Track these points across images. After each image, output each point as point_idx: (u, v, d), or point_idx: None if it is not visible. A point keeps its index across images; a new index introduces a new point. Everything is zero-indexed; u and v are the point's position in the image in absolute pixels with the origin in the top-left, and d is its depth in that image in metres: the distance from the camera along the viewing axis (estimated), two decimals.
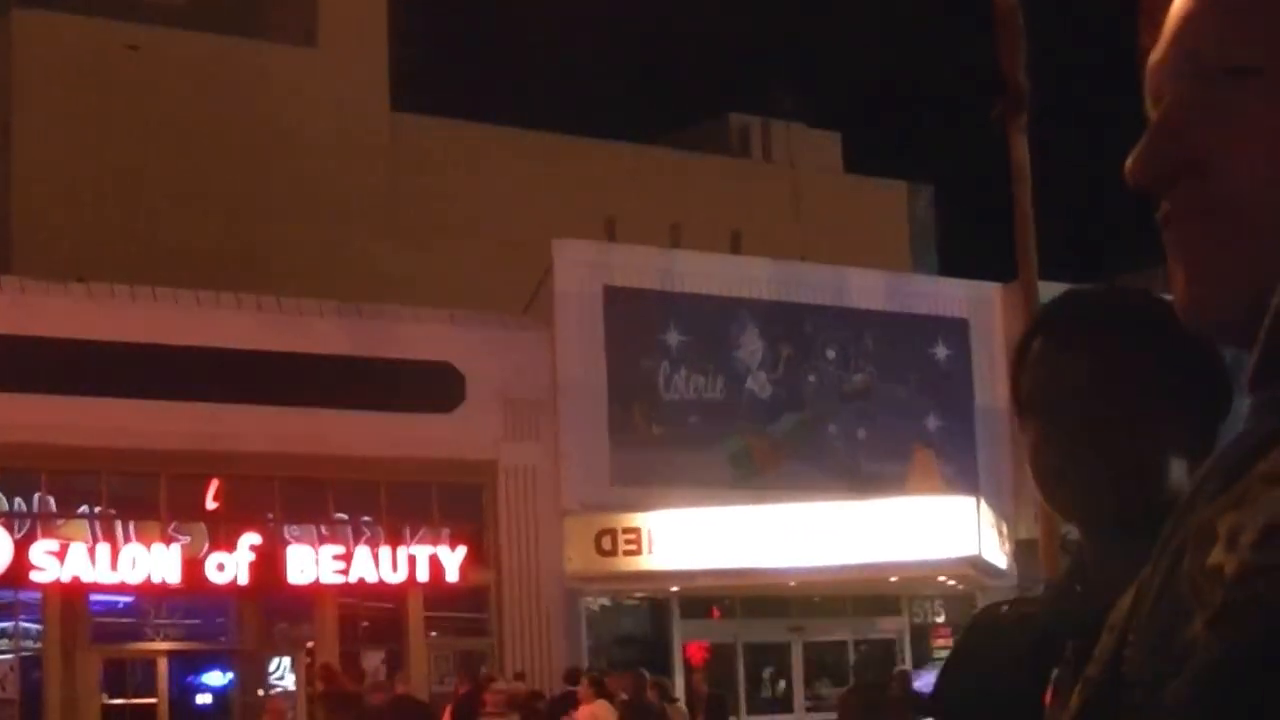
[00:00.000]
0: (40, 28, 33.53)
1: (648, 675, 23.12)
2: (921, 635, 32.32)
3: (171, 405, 25.73)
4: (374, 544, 27.45)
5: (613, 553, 28.41)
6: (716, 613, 31.04)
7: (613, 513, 28.57)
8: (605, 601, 29.79)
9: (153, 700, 26.61)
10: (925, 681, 31.84)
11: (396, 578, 27.29)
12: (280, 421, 26.36)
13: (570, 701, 21.48)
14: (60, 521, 26.08)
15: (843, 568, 28.02)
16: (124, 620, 26.77)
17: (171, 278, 27.67)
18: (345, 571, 26.96)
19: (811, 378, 31.94)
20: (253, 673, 27.56)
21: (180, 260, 31.32)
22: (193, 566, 25.85)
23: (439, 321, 28.65)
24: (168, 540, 26.11)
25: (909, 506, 28.65)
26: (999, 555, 29.63)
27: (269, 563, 26.32)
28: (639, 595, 30.14)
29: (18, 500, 25.92)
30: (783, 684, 31.56)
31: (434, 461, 27.55)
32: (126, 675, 26.93)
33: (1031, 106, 25.76)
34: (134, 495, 26.49)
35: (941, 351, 33.39)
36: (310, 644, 27.57)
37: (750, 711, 30.55)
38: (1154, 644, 1.11)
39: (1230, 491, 1.10)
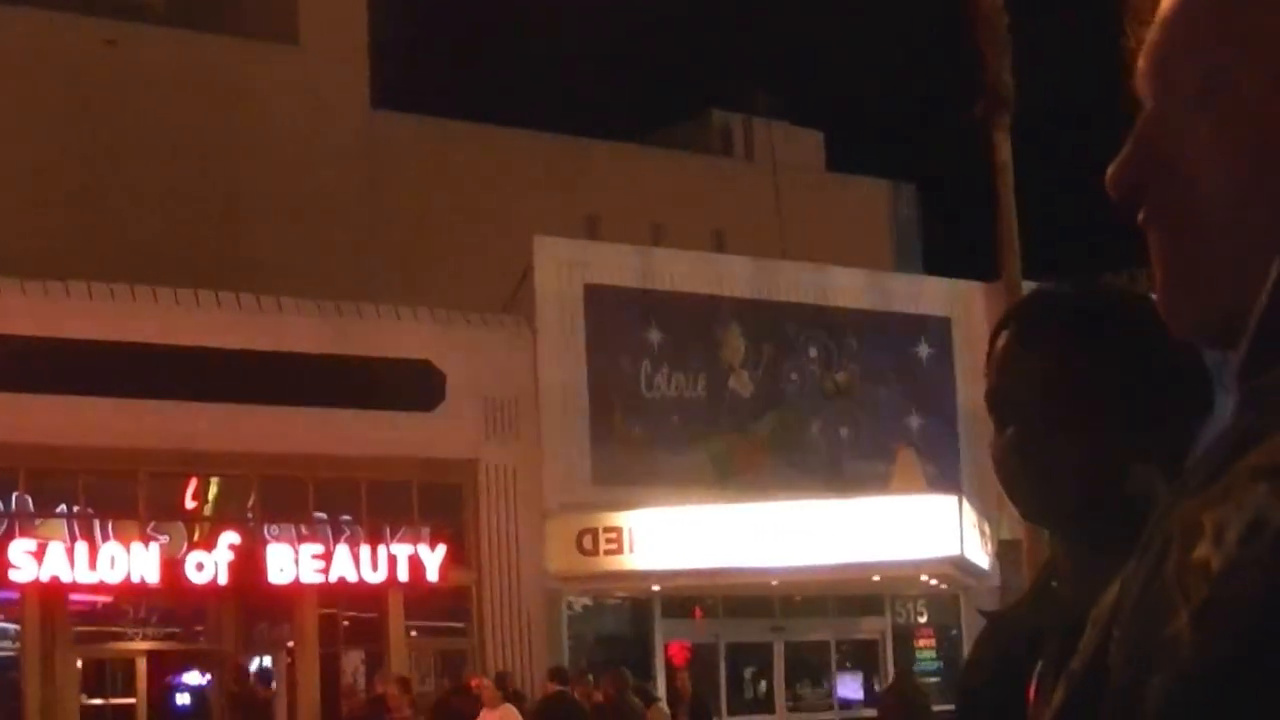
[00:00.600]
0: (15, 23, 33.33)
1: (628, 675, 23.07)
2: (904, 636, 32.28)
3: (150, 404, 25.61)
4: (354, 543, 27.36)
5: (594, 552, 28.34)
6: (698, 612, 30.96)
7: (594, 512, 28.50)
8: (586, 601, 29.70)
9: (132, 700, 26.50)
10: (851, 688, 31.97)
11: (377, 577, 27.19)
12: (259, 420, 26.25)
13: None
14: (38, 521, 25.94)
15: (825, 567, 27.99)
16: (103, 620, 26.65)
17: (149, 276, 27.49)
18: (325, 571, 26.85)
19: (793, 376, 31.88)
20: (231, 672, 27.40)
21: (158, 258, 31.14)
22: (172, 566, 25.73)
23: (419, 320, 28.56)
24: (146, 540, 25.99)
25: (891, 506, 28.62)
26: (981, 555, 29.61)
27: (248, 562, 26.20)
28: (620, 595, 30.05)
29: None
30: (764, 684, 31.50)
31: (414, 460, 27.47)
32: (105, 675, 26.80)
33: (1014, 106, 25.76)
34: (112, 494, 26.36)
35: (924, 350, 33.36)
36: (290, 644, 27.48)
37: (731, 712, 30.49)
38: (1138, 639, 1.10)
39: (1215, 486, 1.09)
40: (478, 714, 22.92)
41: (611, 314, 29.95)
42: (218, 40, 35.76)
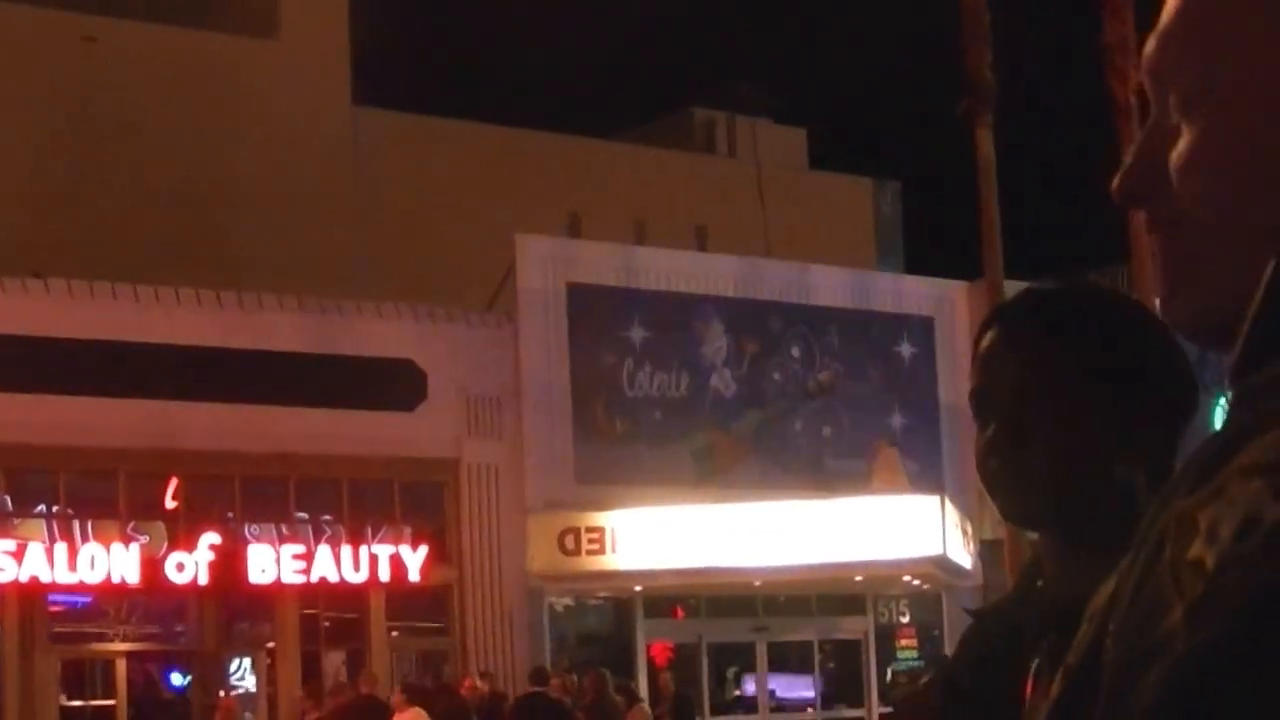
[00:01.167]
0: None
1: (608, 675, 23.03)
2: (887, 635, 32.24)
3: (130, 403, 25.49)
4: (335, 543, 27.26)
5: (576, 552, 28.26)
6: (680, 612, 30.89)
7: (576, 511, 28.42)
8: (568, 601, 29.62)
9: (112, 701, 26.36)
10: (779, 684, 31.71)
11: (358, 577, 27.10)
12: (240, 419, 26.13)
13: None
14: (17, 521, 25.80)
15: (807, 567, 27.93)
16: (82, 620, 26.52)
17: (130, 274, 27.37)
18: (306, 571, 26.75)
19: (776, 375, 31.82)
20: (212, 673, 27.32)
21: (139, 256, 31.02)
22: (152, 566, 25.61)
23: (401, 318, 28.46)
24: (127, 540, 25.86)
25: (874, 506, 28.58)
26: (964, 555, 29.58)
27: (229, 562, 26.09)
28: (602, 595, 29.97)
29: None
30: (748, 684, 31.44)
31: (395, 459, 27.37)
32: (85, 676, 26.66)
33: (996, 103, 25.72)
34: (92, 494, 26.23)
35: (906, 349, 33.32)
36: (271, 644, 27.38)
37: (714, 712, 30.44)
38: (1134, 634, 1.11)
39: (1208, 484, 1.10)
40: (464, 715, 22.88)
41: (594, 312, 29.87)
42: (198, 36, 35.65)
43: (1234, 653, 1.02)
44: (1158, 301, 1.29)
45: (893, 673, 30.93)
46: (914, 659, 32.26)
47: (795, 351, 32.10)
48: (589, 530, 28.28)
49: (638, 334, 30.42)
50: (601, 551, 28.20)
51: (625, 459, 29.48)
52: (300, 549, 26.90)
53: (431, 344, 28.30)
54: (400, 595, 27.74)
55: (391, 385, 27.84)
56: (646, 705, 25.34)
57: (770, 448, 31.24)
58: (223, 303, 27.25)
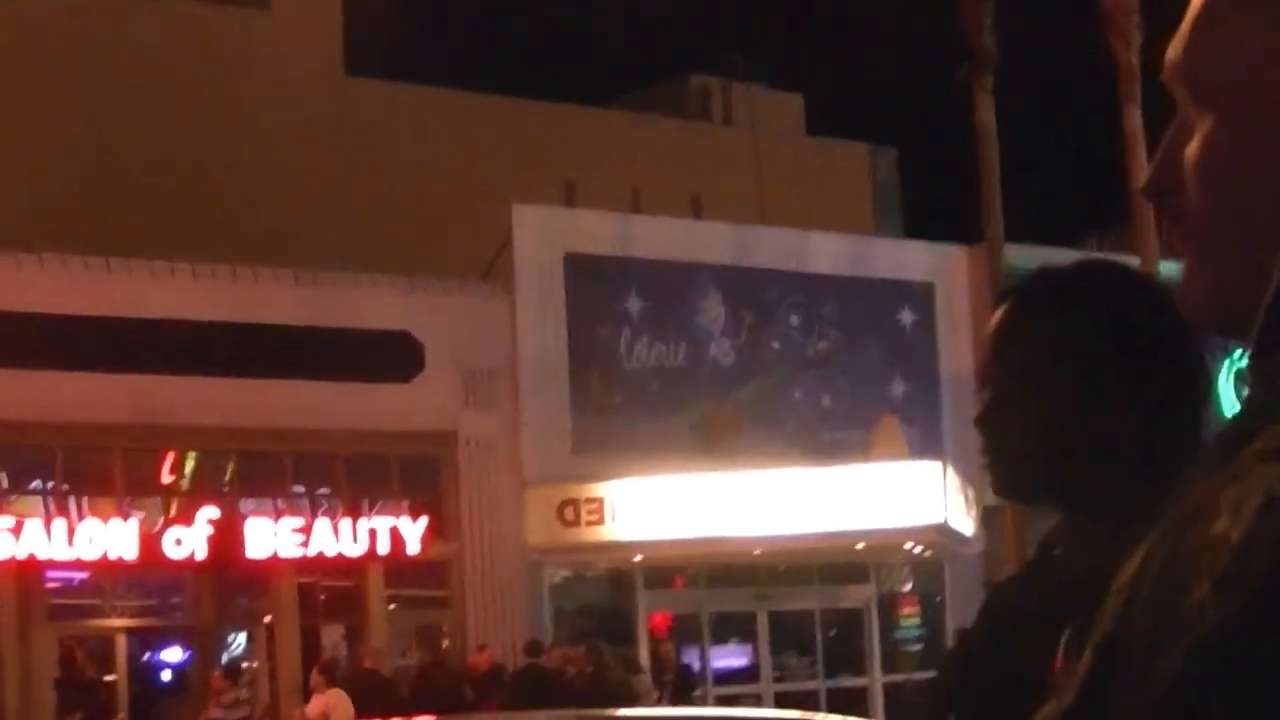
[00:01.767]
0: None
1: (604, 647, 22.97)
2: (889, 604, 32.14)
3: (125, 378, 25.35)
4: (333, 516, 27.16)
5: (575, 523, 28.13)
6: (680, 582, 30.78)
7: (574, 483, 28.29)
8: (567, 572, 29.51)
9: (112, 677, 26.30)
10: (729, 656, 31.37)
11: (356, 550, 26.99)
12: (236, 393, 25.99)
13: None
14: (13, 498, 25.72)
15: (808, 536, 27.80)
16: (81, 597, 26.44)
17: (123, 248, 27.17)
18: (304, 545, 26.65)
19: (774, 344, 31.66)
20: (211, 648, 27.26)
21: (132, 230, 30.81)
22: (149, 541, 25.51)
23: (396, 289, 28.30)
24: (124, 515, 25.76)
25: (875, 473, 28.45)
26: (966, 522, 29.47)
27: (226, 537, 25.98)
28: (602, 566, 29.85)
29: None
30: (750, 653, 31.34)
31: (392, 432, 27.23)
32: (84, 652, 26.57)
33: (996, 68, 25.56)
34: (88, 470, 26.13)
35: (906, 316, 33.13)
36: (268, 618, 27.29)
37: (716, 683, 30.32)
38: (1160, 608, 1.13)
39: (1227, 468, 1.14)
40: (458, 688, 22.82)
41: (591, 282, 29.71)
42: (186, 5, 35.40)
43: (1260, 624, 1.05)
44: (1177, 289, 1.33)
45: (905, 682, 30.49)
46: (916, 626, 32.19)
47: (794, 320, 31.92)
48: (588, 501, 28.15)
49: (635, 304, 30.25)
50: (600, 522, 28.08)
51: (623, 430, 29.35)
52: (298, 523, 26.80)
53: (427, 315, 28.14)
54: (398, 568, 27.63)
55: (388, 357, 27.70)
56: (648, 676, 25.27)
57: (769, 418, 31.09)
58: (217, 276, 27.08)
